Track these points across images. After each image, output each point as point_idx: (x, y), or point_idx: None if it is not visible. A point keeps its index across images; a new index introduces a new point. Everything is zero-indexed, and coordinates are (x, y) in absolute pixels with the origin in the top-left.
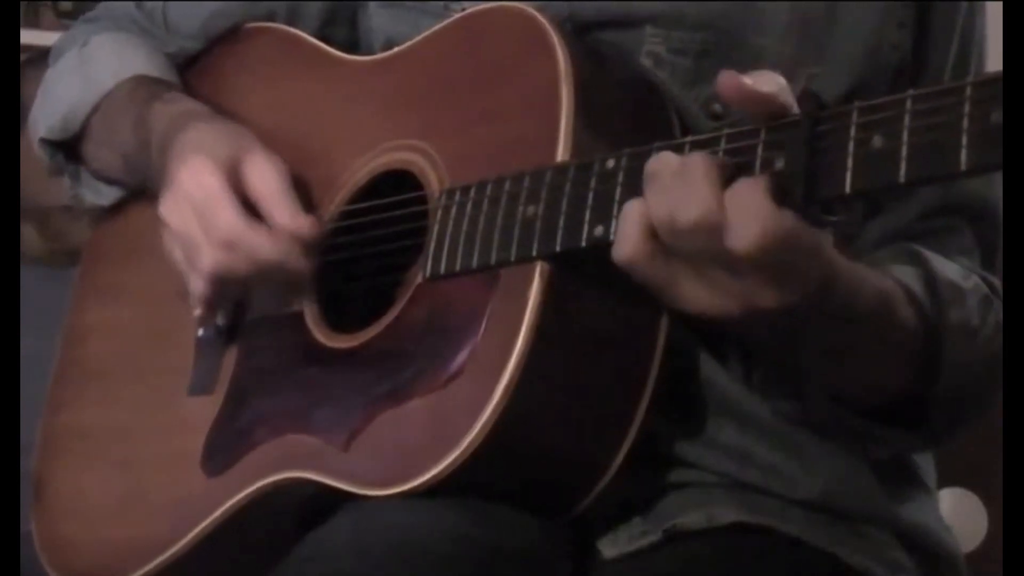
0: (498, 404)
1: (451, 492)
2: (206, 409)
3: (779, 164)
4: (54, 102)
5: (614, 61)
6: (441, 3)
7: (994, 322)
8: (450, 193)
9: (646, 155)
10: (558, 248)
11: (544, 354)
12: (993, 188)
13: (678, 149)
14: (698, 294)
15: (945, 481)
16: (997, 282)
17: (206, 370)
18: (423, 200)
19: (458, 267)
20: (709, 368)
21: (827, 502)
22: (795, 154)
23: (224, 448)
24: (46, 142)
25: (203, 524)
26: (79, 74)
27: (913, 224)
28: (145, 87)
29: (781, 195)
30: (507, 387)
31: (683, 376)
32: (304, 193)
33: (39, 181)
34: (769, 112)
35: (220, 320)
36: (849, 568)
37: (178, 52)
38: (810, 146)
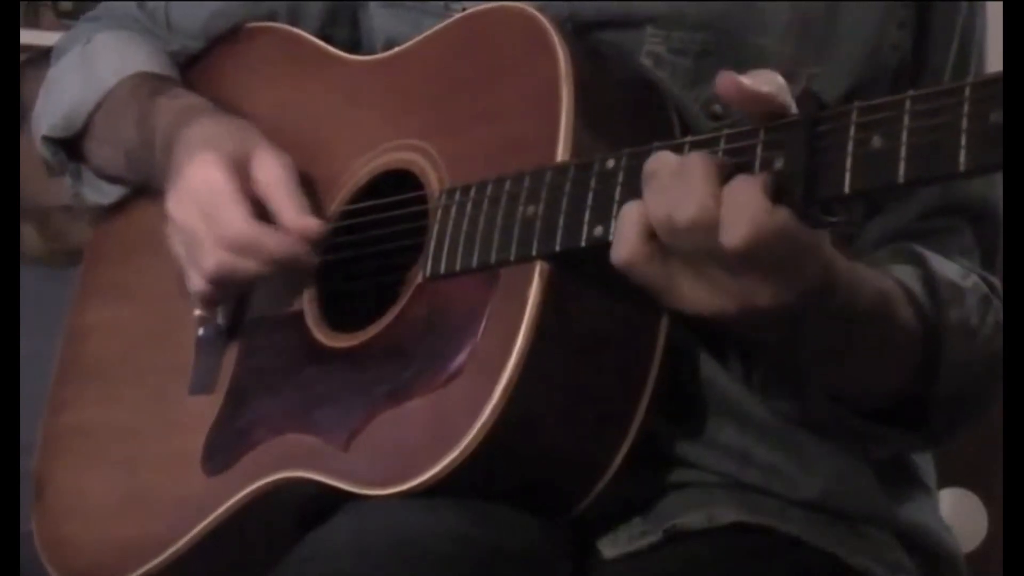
0: (498, 404)
1: (451, 492)
2: (206, 409)
3: (778, 164)
4: (56, 100)
5: (614, 61)
6: (442, 3)
7: (993, 322)
8: (450, 193)
9: (646, 155)
10: (558, 248)
11: (544, 354)
12: (993, 188)
13: (677, 149)
14: (697, 295)
15: (945, 481)
16: (997, 282)
17: (206, 370)
18: (423, 200)
19: (458, 267)
20: (709, 368)
21: (827, 502)
22: (794, 154)
23: (224, 447)
24: (48, 140)
25: (203, 523)
26: (81, 72)
27: (913, 224)
28: (148, 83)
29: (780, 195)
30: (507, 387)
31: (683, 376)
32: (305, 192)
33: (39, 181)
34: (768, 112)
35: (220, 319)
36: (849, 568)
37: (179, 51)
38: (810, 146)
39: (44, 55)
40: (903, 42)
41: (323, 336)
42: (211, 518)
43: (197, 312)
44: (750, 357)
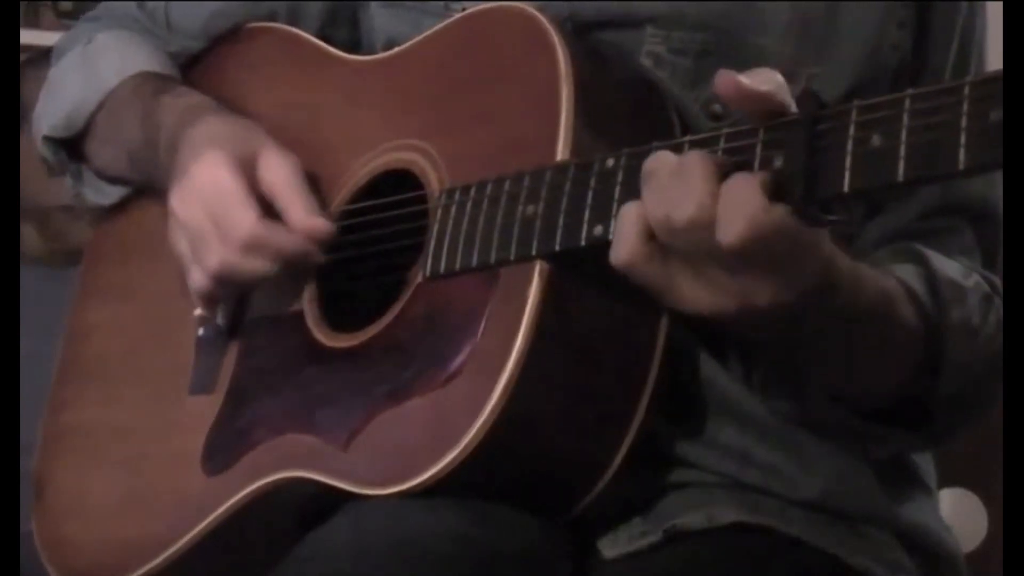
0: (497, 404)
1: (451, 492)
2: (206, 408)
3: (778, 163)
4: (57, 100)
5: (614, 61)
6: (442, 3)
7: (995, 321)
8: (450, 193)
9: (645, 155)
10: (557, 247)
11: (543, 354)
12: (994, 188)
13: (677, 149)
14: (697, 294)
15: (945, 481)
16: (998, 281)
17: (206, 369)
18: (423, 200)
19: (458, 266)
20: (709, 368)
21: (827, 502)
22: (794, 153)
23: (224, 447)
24: (49, 140)
25: (203, 523)
26: (82, 72)
27: (913, 224)
28: (151, 83)
29: (780, 194)
30: (506, 387)
31: (683, 376)
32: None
33: (39, 181)
34: (767, 111)
35: (221, 319)
36: (849, 568)
37: (179, 52)
38: (809, 145)
39: (44, 55)
40: (903, 42)
41: (323, 336)
42: (211, 518)
43: (197, 312)
44: (750, 357)
